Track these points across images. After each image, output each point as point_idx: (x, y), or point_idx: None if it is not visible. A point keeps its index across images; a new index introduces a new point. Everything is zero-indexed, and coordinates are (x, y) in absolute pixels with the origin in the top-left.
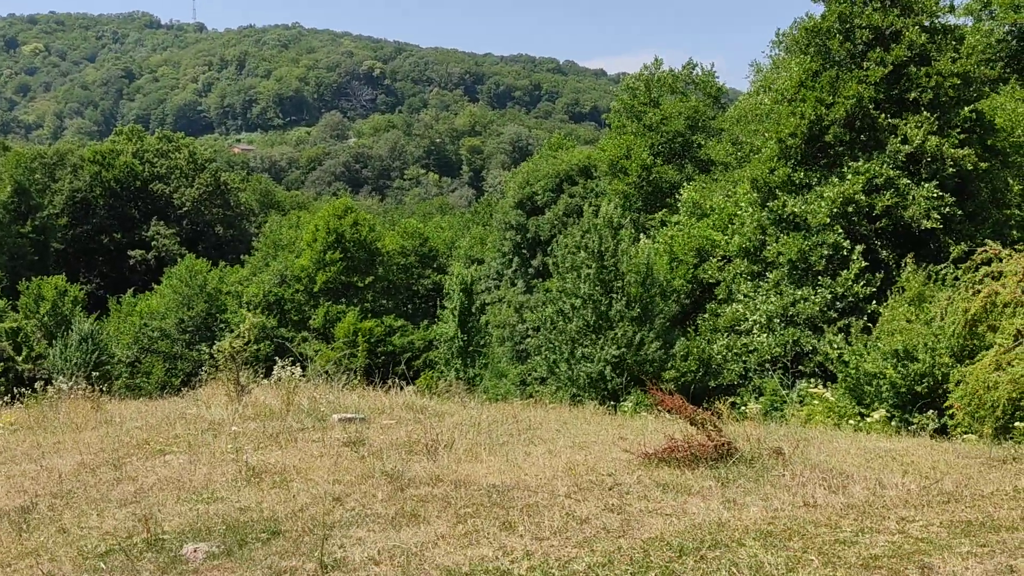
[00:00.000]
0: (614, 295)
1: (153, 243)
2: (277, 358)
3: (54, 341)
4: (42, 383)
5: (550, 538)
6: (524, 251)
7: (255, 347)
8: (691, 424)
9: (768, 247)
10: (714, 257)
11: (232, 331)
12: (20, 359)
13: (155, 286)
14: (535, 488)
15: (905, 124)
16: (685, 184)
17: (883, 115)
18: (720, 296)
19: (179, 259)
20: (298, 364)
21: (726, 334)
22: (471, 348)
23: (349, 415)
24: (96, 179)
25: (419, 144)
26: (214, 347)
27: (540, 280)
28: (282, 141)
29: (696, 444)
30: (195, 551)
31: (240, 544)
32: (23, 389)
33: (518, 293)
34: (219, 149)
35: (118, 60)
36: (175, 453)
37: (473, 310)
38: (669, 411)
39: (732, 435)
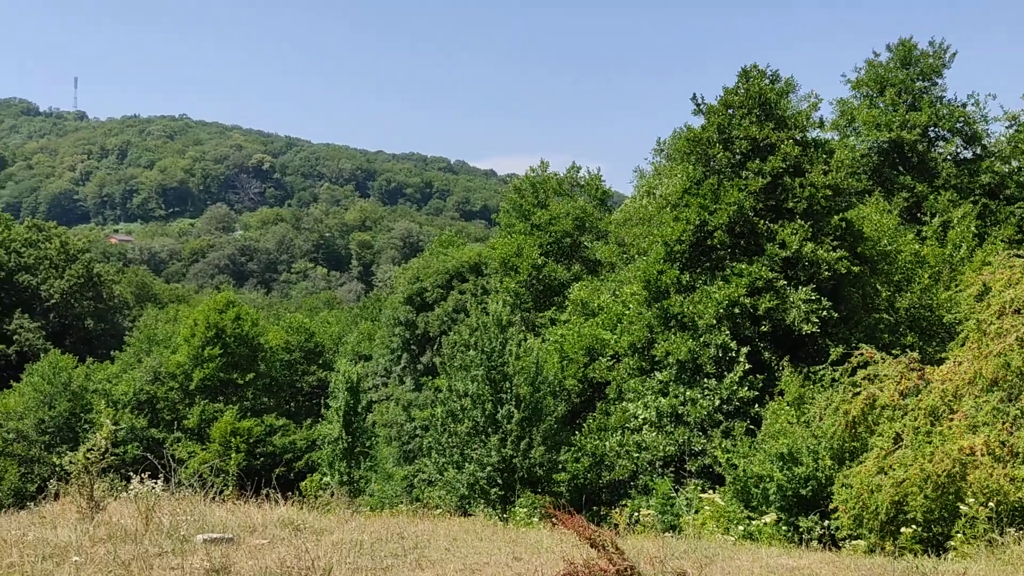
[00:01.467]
0: (503, 395)
1: (15, 337)
2: (132, 471)
3: None
4: None
5: None
6: (413, 347)
7: (121, 449)
8: (591, 547)
9: (657, 345)
10: (604, 356)
11: (97, 432)
12: None
13: (14, 384)
14: None
15: (783, 230)
16: (574, 283)
17: (762, 221)
18: (611, 395)
19: (43, 354)
20: (162, 474)
21: (617, 432)
22: (357, 449)
23: (215, 535)
24: None
25: (308, 238)
26: (65, 459)
27: (429, 378)
28: (164, 232)
29: (597, 569)
30: None
31: None
32: None
33: (406, 391)
34: (95, 239)
35: None
36: None
37: (359, 409)
38: (570, 528)
39: (633, 553)
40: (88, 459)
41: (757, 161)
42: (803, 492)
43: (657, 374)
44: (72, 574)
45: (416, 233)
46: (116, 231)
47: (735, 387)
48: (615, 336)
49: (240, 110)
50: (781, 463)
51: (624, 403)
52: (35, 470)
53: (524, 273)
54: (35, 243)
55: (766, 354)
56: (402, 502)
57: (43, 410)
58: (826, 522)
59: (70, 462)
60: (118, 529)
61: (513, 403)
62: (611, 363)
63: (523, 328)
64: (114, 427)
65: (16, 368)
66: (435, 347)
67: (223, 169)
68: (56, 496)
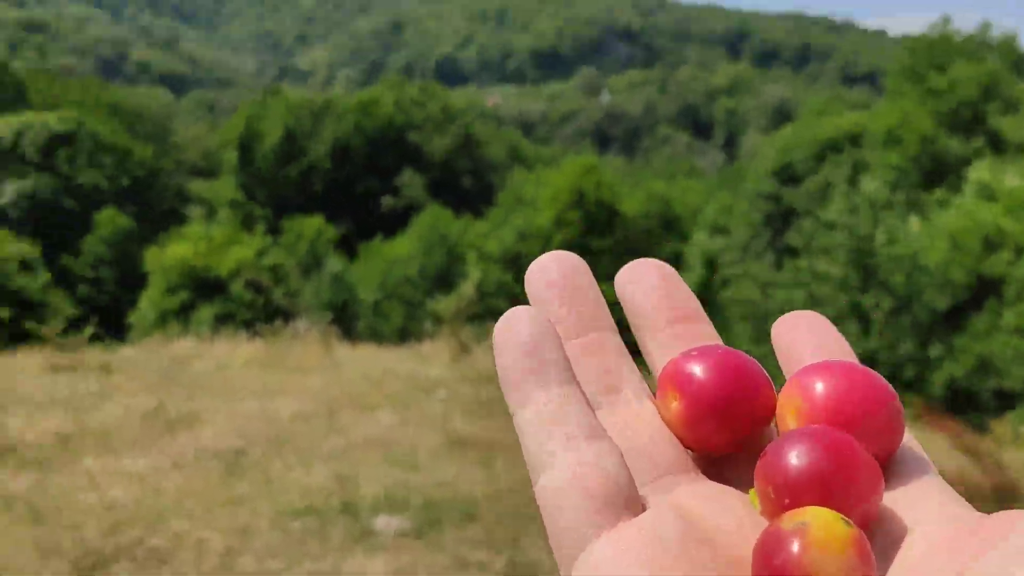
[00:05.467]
0: (871, 282)
1: (404, 191)
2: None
3: (308, 278)
4: (284, 321)
5: None
6: (775, 224)
7: (487, 302)
8: (965, 454)
9: None
10: (1005, 248)
11: (468, 282)
12: (278, 293)
13: (401, 233)
14: None
15: None
16: (974, 161)
17: None
18: (1008, 296)
19: (425, 208)
20: None
21: (1013, 335)
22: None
23: None
24: (358, 127)
25: (672, 103)
26: (440, 303)
27: (791, 257)
28: (535, 95)
29: (970, 481)
30: (387, 525)
31: (432, 524)
32: (276, 323)
33: (765, 268)
34: (474, 101)
35: (388, 12)
36: (386, 410)
37: (714, 284)
38: (941, 432)
39: (1018, 469)
40: (459, 306)
41: None
42: None
43: None
44: (440, 406)
45: (788, 100)
46: (492, 93)
47: None
48: (1022, 226)
49: None
50: None
51: None
52: (416, 312)
53: (910, 146)
54: (422, 104)
55: None
56: None
57: (424, 258)
58: None
59: (444, 307)
60: (481, 372)
61: (882, 291)
62: (1013, 258)
63: (903, 209)
64: (480, 279)
65: (403, 219)
66: (800, 225)
67: (593, 32)
68: (431, 337)
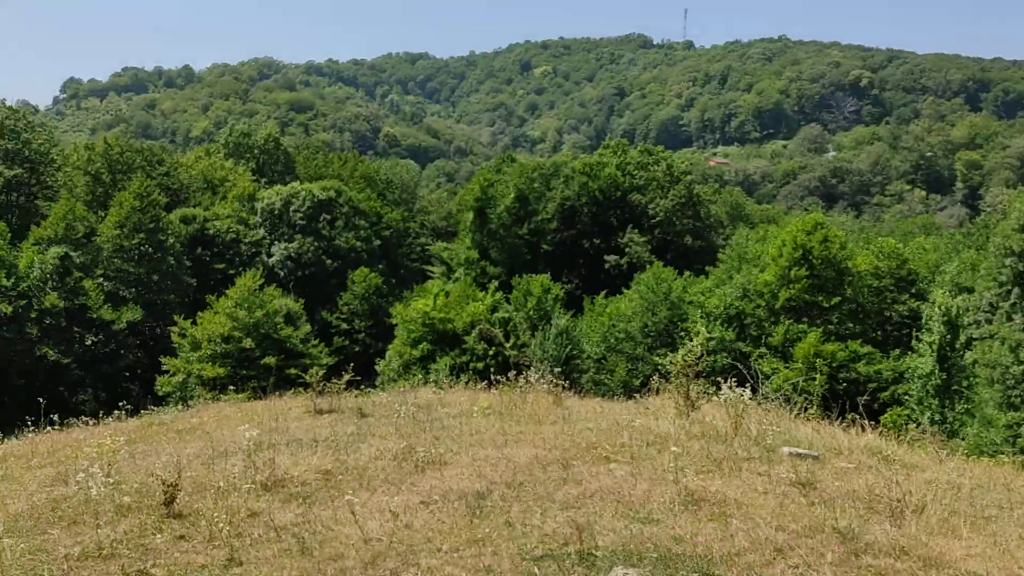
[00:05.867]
0: None
1: (627, 249)
2: (721, 379)
3: (536, 332)
4: (515, 372)
5: None
6: None
7: (710, 359)
8: None
9: None
10: None
11: (694, 339)
12: (508, 346)
13: (625, 290)
14: None
15: None
16: None
17: None
18: None
19: (648, 266)
20: (748, 384)
21: None
22: (952, 388)
23: (800, 450)
24: (583, 189)
25: (906, 158)
26: (667, 358)
27: None
28: (758, 154)
29: None
30: None
31: None
32: (508, 374)
33: (1015, 330)
34: (695, 162)
35: (612, 79)
36: (619, 463)
37: (957, 345)
38: None
39: None
40: (686, 362)
41: None
42: None
43: None
44: (671, 461)
45: None
46: (715, 154)
47: None
48: None
49: (840, 24)
50: None
51: None
52: (639, 367)
53: None
54: (645, 166)
55: None
56: (1005, 452)
57: (647, 315)
58: None
59: (671, 363)
60: (710, 429)
61: None
62: None
63: None
64: (707, 337)
65: (627, 276)
66: None
67: (818, 88)
68: (656, 392)
